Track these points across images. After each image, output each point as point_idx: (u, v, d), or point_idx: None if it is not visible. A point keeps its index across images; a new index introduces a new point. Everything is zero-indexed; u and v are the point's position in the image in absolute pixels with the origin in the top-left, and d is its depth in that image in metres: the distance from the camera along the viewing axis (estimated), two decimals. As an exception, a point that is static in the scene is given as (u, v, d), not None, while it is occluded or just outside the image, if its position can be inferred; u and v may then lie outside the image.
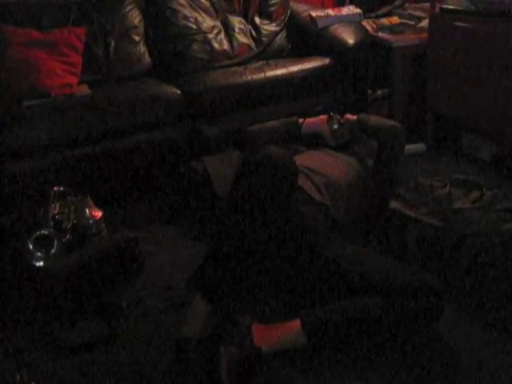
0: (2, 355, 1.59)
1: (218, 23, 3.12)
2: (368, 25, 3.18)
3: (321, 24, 3.07)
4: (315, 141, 2.38)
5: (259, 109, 2.76)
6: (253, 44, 3.16)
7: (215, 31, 3.07)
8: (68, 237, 2.00)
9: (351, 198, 2.12)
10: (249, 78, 2.76)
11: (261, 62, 3.00)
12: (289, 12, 3.31)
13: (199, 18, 3.06)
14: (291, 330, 1.57)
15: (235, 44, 3.09)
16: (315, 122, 2.38)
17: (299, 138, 2.40)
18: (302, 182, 1.95)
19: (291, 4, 3.36)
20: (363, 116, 2.38)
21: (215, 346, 1.52)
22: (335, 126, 2.33)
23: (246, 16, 3.22)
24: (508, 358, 1.57)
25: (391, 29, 3.11)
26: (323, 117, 2.37)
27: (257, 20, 3.23)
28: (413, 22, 3.16)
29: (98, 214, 2.13)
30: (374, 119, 2.35)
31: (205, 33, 3.03)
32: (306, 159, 2.20)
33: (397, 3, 3.47)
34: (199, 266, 1.80)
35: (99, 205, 2.16)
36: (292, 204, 1.82)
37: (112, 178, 2.49)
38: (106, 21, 2.90)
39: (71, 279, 1.89)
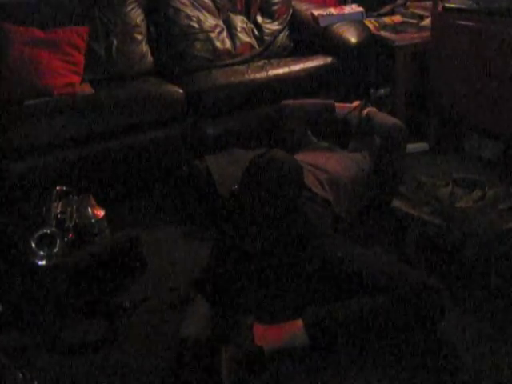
0: (5, 354, 1.59)
1: (221, 22, 3.12)
2: (370, 23, 3.17)
3: (323, 23, 3.07)
4: (342, 127, 2.42)
5: (262, 108, 2.75)
6: (255, 43, 3.16)
7: (217, 30, 3.07)
8: (70, 236, 2.01)
9: (354, 194, 2.12)
10: (251, 76, 2.76)
11: (263, 61, 3.00)
12: (291, 11, 3.31)
13: (201, 17, 3.06)
14: (293, 330, 1.57)
15: (237, 43, 3.09)
16: (349, 107, 2.42)
17: (331, 122, 2.42)
18: (304, 178, 1.95)
19: (293, 3, 3.36)
20: (371, 111, 2.40)
21: (216, 346, 1.52)
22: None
23: (248, 15, 3.23)
24: (510, 357, 1.56)
25: (393, 27, 3.10)
26: (356, 103, 2.40)
27: (259, 19, 3.23)
28: (415, 21, 3.16)
29: (101, 213, 2.13)
30: (380, 116, 2.38)
31: (207, 32, 3.03)
32: (308, 156, 2.21)
33: (399, 2, 3.46)
34: (203, 268, 1.80)
35: (101, 204, 2.16)
36: (298, 204, 1.81)
37: (114, 177, 2.50)
38: (108, 20, 2.90)
39: (73, 278, 1.89)
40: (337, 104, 2.44)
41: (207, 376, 1.48)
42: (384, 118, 2.39)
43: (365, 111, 2.43)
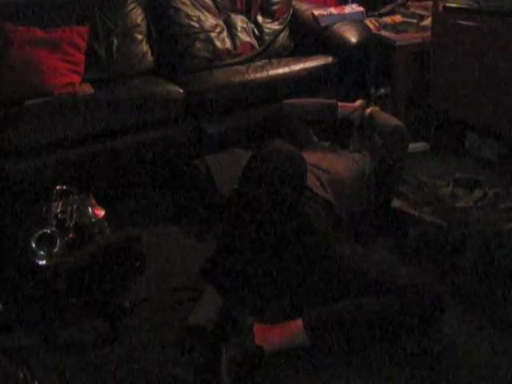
0: (5, 355, 1.59)
1: (221, 22, 3.12)
2: (371, 23, 3.18)
3: (323, 22, 3.07)
4: (344, 126, 2.43)
5: (262, 107, 2.75)
6: (255, 43, 3.16)
7: (218, 30, 3.07)
8: (71, 235, 2.01)
9: (354, 195, 2.11)
10: (251, 76, 2.75)
11: (263, 61, 3.00)
12: (291, 10, 3.31)
13: (202, 17, 3.06)
14: (293, 330, 1.57)
15: (238, 43, 3.09)
16: (351, 106, 2.43)
17: (333, 121, 2.43)
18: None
19: (294, 2, 3.36)
20: (374, 110, 2.40)
21: (216, 343, 1.52)
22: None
23: (248, 15, 3.22)
24: (510, 357, 1.56)
25: (394, 27, 3.10)
26: (359, 102, 2.40)
27: (259, 19, 3.23)
28: (415, 21, 3.16)
29: (101, 212, 2.13)
30: (383, 116, 2.38)
31: (207, 31, 3.03)
32: (309, 155, 2.20)
33: (399, 1, 3.46)
34: (210, 259, 1.79)
35: (102, 203, 2.16)
36: (300, 201, 1.80)
37: (114, 176, 2.50)
38: (108, 19, 2.90)
39: (74, 278, 1.89)
40: (339, 103, 2.44)
41: (207, 375, 1.49)
42: (387, 119, 2.38)
43: (368, 110, 2.43)
